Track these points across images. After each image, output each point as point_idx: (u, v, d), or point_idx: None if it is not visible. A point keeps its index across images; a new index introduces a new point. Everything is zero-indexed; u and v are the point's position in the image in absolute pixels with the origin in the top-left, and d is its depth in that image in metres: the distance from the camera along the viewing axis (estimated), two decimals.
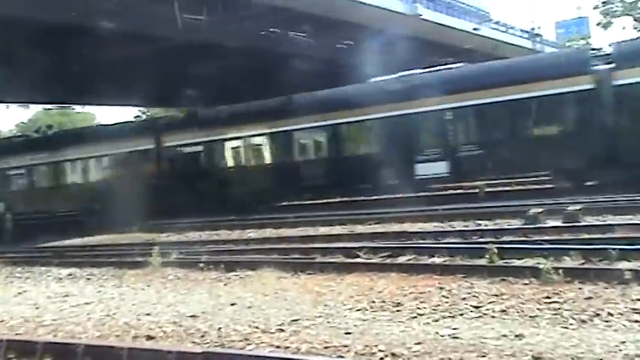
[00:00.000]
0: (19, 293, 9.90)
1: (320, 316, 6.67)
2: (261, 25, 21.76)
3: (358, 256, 9.96)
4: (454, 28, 31.66)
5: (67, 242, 16.71)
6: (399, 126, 18.50)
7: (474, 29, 33.64)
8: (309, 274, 9.19)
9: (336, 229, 13.92)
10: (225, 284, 9.20)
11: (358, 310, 6.85)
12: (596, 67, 16.26)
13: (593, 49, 19.03)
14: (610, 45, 17.70)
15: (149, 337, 6.52)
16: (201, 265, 10.49)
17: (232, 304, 7.62)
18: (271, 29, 22.12)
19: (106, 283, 10.23)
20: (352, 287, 7.94)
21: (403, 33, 22.49)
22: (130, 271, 10.94)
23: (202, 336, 6.35)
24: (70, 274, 11.41)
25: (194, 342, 6.20)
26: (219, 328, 6.52)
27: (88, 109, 55.46)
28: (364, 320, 6.41)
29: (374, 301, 7.09)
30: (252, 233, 15.03)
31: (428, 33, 28.47)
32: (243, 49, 22.66)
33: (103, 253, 13.41)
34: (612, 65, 15.95)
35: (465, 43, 30.42)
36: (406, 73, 19.18)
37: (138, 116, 50.17)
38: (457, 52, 28.31)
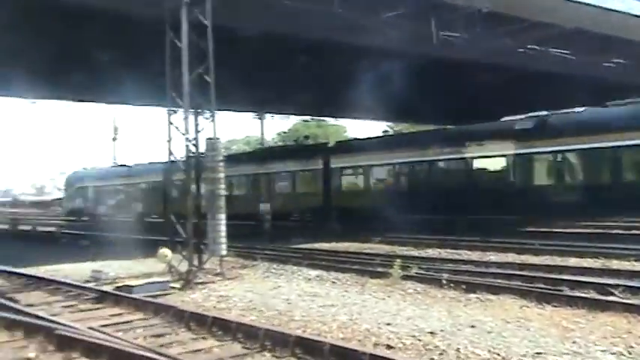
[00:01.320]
0: (274, 288, 10.88)
1: (567, 353, 6.24)
2: (521, 42, 21.06)
3: (613, 294, 9.12)
4: None
5: (316, 245, 17.90)
6: None
7: None
8: (555, 306, 8.65)
9: (588, 262, 12.90)
10: (464, 305, 9.08)
11: (613, 353, 6.26)
12: None
13: None
14: None
15: (389, 347, 6.71)
16: (442, 282, 10.51)
17: (472, 327, 7.50)
18: (529, 46, 21.29)
19: (350, 288, 10.75)
20: (606, 327, 7.29)
21: None
22: (372, 280, 11.38)
23: (441, 354, 6.36)
24: (317, 276, 12.22)
25: (432, 359, 6.24)
26: (458, 349, 6.47)
27: (340, 121, 58.87)
28: None
29: (632, 347, 6.43)
30: (493, 256, 14.61)
31: None
32: (495, 66, 22.17)
33: (347, 260, 14.12)
34: None
35: None
36: None
37: (386, 131, 51.84)
38: None
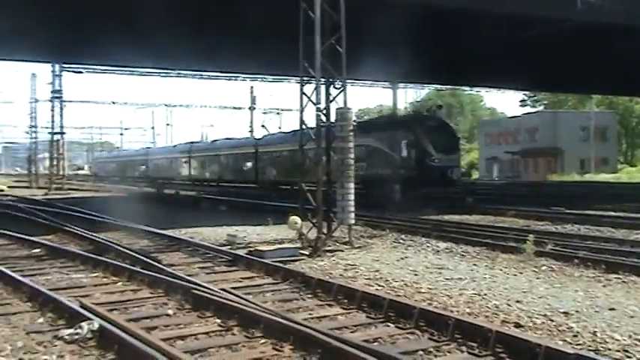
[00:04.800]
0: (402, 259, 10.82)
1: None
2: None
3: None
4: None
5: (445, 217, 17.57)
6: None
7: None
8: None
9: None
10: (604, 285, 8.51)
11: None
12: None
13: None
14: None
15: (517, 325, 6.45)
16: (579, 260, 9.92)
17: (611, 309, 7.01)
18: None
19: (479, 262, 10.44)
20: None
21: None
22: (503, 255, 10.97)
23: (575, 336, 6.01)
24: (446, 248, 11.99)
25: (565, 340, 5.91)
26: (594, 332, 6.08)
27: (477, 90, 57.00)
28: None
29: None
30: None
31: None
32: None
33: (478, 233, 13.71)
34: None
35: None
36: None
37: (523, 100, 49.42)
38: None
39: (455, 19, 19.20)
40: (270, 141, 37.02)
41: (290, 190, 26.58)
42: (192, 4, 18.02)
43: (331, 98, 13.17)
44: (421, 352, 5.66)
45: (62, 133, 46.72)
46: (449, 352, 5.71)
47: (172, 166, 51.03)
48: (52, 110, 44.53)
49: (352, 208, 12.29)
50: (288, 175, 31.22)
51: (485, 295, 7.80)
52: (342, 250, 11.74)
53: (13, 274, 8.66)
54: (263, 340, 5.94)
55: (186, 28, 19.36)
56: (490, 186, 42.49)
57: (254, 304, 6.99)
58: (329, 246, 11.97)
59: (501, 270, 9.65)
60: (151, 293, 8.01)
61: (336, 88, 13.18)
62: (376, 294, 7.43)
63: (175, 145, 54.59)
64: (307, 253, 11.34)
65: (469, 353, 5.62)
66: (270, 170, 35.51)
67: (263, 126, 47.60)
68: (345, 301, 7.45)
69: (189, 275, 8.87)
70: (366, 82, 40.99)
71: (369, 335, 6.16)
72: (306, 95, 13.10)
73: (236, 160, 40.28)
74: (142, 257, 10.21)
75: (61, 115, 44.88)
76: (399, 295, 7.76)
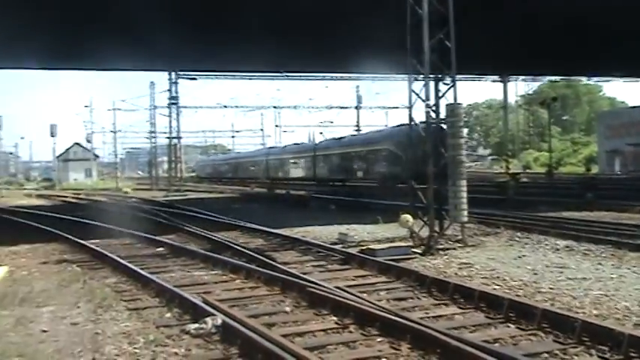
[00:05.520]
0: (518, 257, 10.43)
1: None
2: None
3: None
4: None
5: (564, 214, 16.76)
6: None
7: None
8: None
9: None
10: None
11: None
12: None
13: None
14: None
15: None
16: None
17: None
18: None
19: (604, 261, 9.86)
20: None
21: None
22: (631, 254, 10.30)
23: None
24: (566, 246, 11.42)
25: None
26: None
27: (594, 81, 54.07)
28: None
29: None
30: None
31: None
32: None
33: (601, 230, 12.96)
34: None
35: None
36: None
37: None
38: None
39: (575, 9, 18.24)
40: (326, 145, 44.73)
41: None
42: (307, 12, 18.34)
43: (440, 94, 12.95)
44: (546, 355, 5.44)
45: (179, 138, 49.12)
46: (576, 355, 5.44)
47: (256, 168, 58.18)
48: (170, 116, 46.93)
49: (465, 206, 12.01)
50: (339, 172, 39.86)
51: (613, 295, 7.37)
52: (455, 249, 11.51)
53: (141, 272, 9.20)
54: (380, 339, 5.94)
55: (295, 33, 19.79)
56: (613, 181, 40.07)
57: (369, 302, 7.00)
58: (441, 244, 11.77)
59: (630, 269, 9.06)
60: (268, 290, 8.23)
61: (445, 84, 12.95)
62: (495, 293, 7.22)
63: (261, 149, 64.69)
64: (420, 251, 11.21)
65: (600, 357, 5.32)
66: (324, 169, 43.53)
67: (321, 133, 55.98)
68: (462, 300, 7.30)
69: (303, 273, 9.03)
70: (475, 76, 40.01)
71: (489, 336, 5.99)
72: (414, 92, 12.96)
73: (305, 162, 47.81)
74: (258, 256, 10.52)
75: (178, 121, 47.22)
76: (518, 295, 7.48)
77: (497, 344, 5.71)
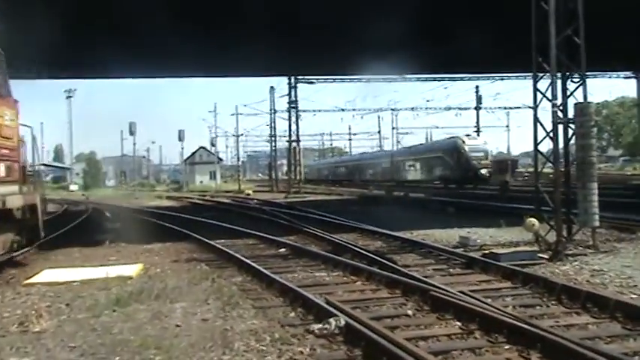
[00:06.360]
0: None
1: None
2: None
3: None
4: None
5: None
6: None
7: None
8: None
9: None
10: None
11: None
12: None
13: None
14: None
15: None
16: None
17: None
18: None
19: None
20: None
21: None
22: None
23: None
24: None
25: None
26: None
27: None
28: None
29: None
30: None
31: None
32: None
33: None
34: None
35: None
36: None
37: None
38: None
39: None
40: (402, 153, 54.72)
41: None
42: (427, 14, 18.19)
43: (568, 93, 12.34)
44: None
45: (298, 141, 50.25)
46: None
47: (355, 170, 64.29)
48: (289, 120, 48.14)
49: (596, 210, 11.37)
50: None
51: None
52: (585, 255, 10.90)
53: (265, 271, 9.50)
54: (507, 346, 5.75)
55: (413, 36, 19.66)
56: None
57: (495, 308, 6.80)
58: (570, 250, 11.20)
59: None
60: (389, 293, 8.21)
61: (574, 82, 12.32)
62: (633, 303, 6.77)
63: (363, 153, 73.95)
64: (547, 256, 10.73)
65: None
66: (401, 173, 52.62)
67: (398, 142, 61.89)
68: (595, 309, 6.90)
69: (424, 277, 8.93)
70: (605, 73, 37.77)
71: (628, 348, 5.62)
72: (539, 91, 12.44)
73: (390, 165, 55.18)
74: (378, 258, 10.52)
75: (297, 124, 48.33)
76: None
77: (637, 357, 5.35)
